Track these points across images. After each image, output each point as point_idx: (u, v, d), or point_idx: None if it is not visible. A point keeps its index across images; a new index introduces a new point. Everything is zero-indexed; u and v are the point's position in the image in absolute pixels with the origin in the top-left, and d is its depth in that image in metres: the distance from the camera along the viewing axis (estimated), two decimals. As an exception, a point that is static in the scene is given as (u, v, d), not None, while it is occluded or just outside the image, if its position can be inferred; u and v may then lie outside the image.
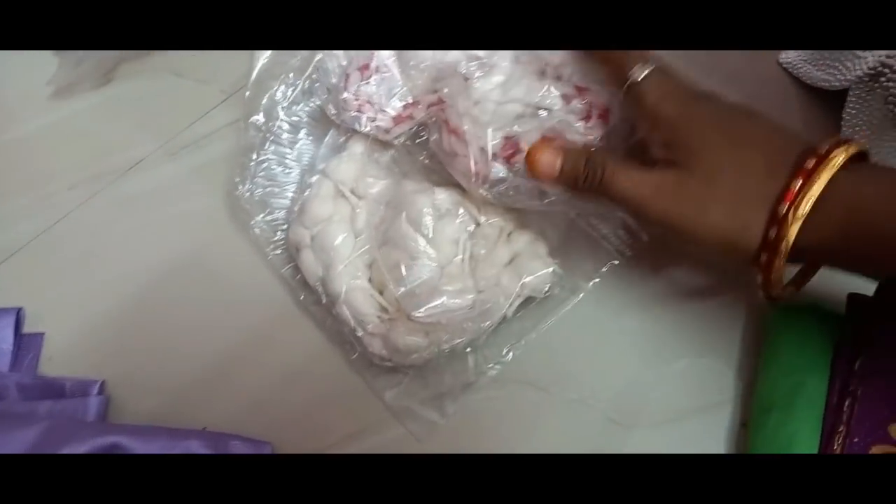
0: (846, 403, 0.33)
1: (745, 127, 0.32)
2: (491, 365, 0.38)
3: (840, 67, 0.39)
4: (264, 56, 0.43)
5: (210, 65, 0.48)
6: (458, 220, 0.38)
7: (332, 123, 0.42)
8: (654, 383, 0.38)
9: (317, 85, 0.43)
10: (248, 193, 0.42)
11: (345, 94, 0.40)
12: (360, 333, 0.37)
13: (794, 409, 0.33)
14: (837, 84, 0.39)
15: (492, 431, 0.38)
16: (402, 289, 0.36)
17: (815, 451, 0.32)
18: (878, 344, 0.33)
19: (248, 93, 0.43)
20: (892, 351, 0.33)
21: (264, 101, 0.43)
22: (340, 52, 0.42)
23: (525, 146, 0.37)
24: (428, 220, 0.37)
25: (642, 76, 0.33)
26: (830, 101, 0.41)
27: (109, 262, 0.43)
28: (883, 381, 0.33)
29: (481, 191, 0.37)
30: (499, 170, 0.37)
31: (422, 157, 0.41)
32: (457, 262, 0.37)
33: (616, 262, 0.39)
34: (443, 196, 0.38)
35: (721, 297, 0.40)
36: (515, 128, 0.37)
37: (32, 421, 0.35)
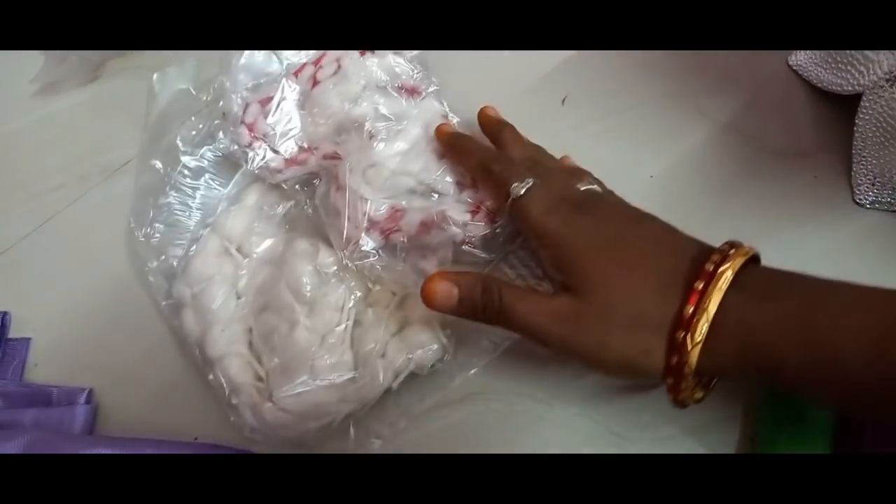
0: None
1: (632, 242, 0.31)
2: (373, 439, 0.36)
3: (853, 71, 0.38)
4: (164, 96, 0.42)
5: (193, 54, 0.45)
6: (342, 286, 0.36)
7: (238, 169, 0.40)
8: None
9: (218, 123, 0.41)
10: (143, 239, 0.40)
11: (240, 126, 0.39)
12: (234, 402, 0.35)
13: (806, 424, 0.32)
14: (850, 88, 0.39)
15: None
16: (276, 359, 0.34)
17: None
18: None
19: (146, 134, 0.41)
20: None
21: (164, 144, 0.41)
22: (244, 91, 0.40)
23: (404, 227, 0.36)
24: (307, 288, 0.35)
25: (523, 191, 0.33)
26: (842, 106, 0.40)
27: (97, 266, 0.42)
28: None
29: (345, 260, 0.35)
30: (369, 241, 0.35)
31: (306, 206, 0.39)
32: (338, 331, 0.35)
33: (517, 337, 0.36)
34: (329, 259, 0.36)
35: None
36: (404, 203, 0.36)
37: (15, 434, 0.34)
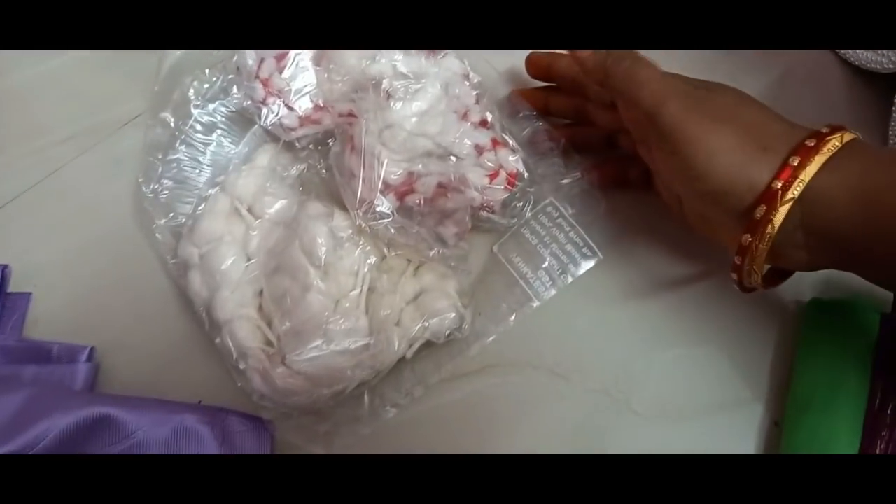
0: (889, 406, 0.31)
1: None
2: (388, 407, 0.35)
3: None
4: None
5: None
6: (357, 250, 0.34)
7: (250, 126, 0.39)
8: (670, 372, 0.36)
9: (232, 77, 0.39)
10: (151, 195, 0.39)
11: (255, 80, 0.38)
12: (241, 367, 0.34)
13: (834, 409, 0.32)
14: (891, 67, 0.38)
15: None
16: (288, 323, 0.33)
17: (855, 452, 0.31)
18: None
19: (156, 87, 0.40)
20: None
21: (175, 96, 0.40)
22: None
23: (420, 188, 0.35)
24: (322, 249, 0.34)
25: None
26: (878, 83, 0.40)
27: (102, 221, 0.40)
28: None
29: (359, 220, 0.34)
30: (384, 203, 0.34)
31: (320, 167, 0.38)
32: (353, 296, 0.34)
33: (535, 305, 0.36)
34: (344, 223, 0.35)
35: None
36: (419, 166, 0.35)
37: (16, 387, 0.33)
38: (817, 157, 0.27)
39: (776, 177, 0.28)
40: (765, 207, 0.28)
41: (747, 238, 0.28)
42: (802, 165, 0.27)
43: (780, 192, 0.27)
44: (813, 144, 0.28)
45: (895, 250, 0.26)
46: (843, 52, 0.41)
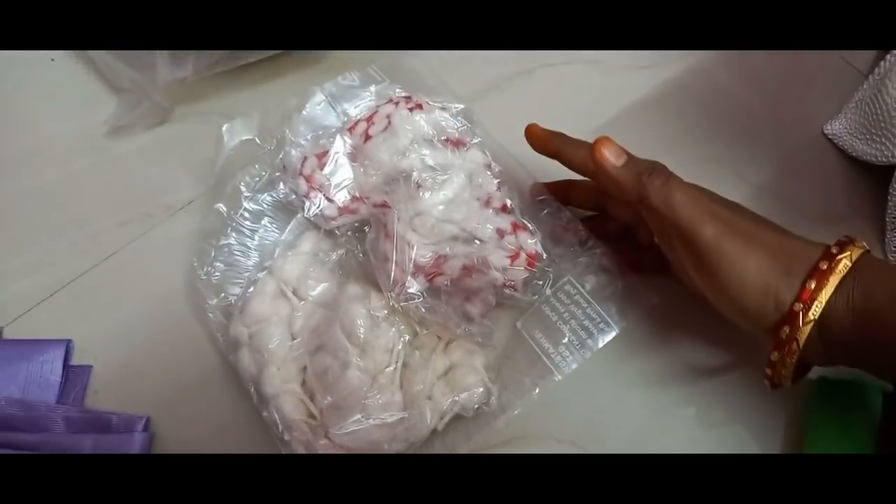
0: None
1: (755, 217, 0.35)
2: None
3: (887, 143, 0.39)
4: (230, 145, 0.44)
5: (257, 105, 0.47)
6: (392, 330, 0.37)
7: (294, 214, 0.43)
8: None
9: (279, 174, 0.43)
10: (205, 277, 0.42)
11: (299, 177, 0.42)
12: (286, 438, 0.37)
13: (851, 435, 0.35)
14: (884, 160, 0.40)
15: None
16: (329, 398, 0.36)
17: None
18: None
19: (212, 181, 0.44)
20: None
21: (228, 189, 0.44)
22: (303, 141, 0.43)
23: (447, 270, 0.37)
24: (360, 329, 0.37)
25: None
26: (875, 174, 0.42)
27: (157, 300, 0.44)
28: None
29: (392, 301, 0.37)
30: (415, 284, 0.37)
31: (357, 252, 0.41)
32: (388, 372, 0.37)
33: (557, 379, 0.38)
34: (379, 303, 0.38)
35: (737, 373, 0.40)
36: (447, 249, 0.38)
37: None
38: (831, 279, 0.31)
39: (797, 299, 0.31)
40: (788, 328, 0.31)
41: (776, 354, 0.32)
42: (819, 288, 0.31)
43: (801, 313, 0.31)
44: (826, 267, 0.31)
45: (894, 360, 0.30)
46: (840, 144, 0.44)
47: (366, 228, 0.41)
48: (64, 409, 0.40)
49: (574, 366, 0.38)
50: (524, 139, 0.41)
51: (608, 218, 0.41)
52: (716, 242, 0.32)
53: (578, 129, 0.37)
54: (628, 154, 0.35)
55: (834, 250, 0.32)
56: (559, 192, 0.42)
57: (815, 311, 0.31)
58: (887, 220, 0.41)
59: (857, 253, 0.32)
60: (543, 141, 0.40)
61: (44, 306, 0.44)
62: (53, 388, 0.41)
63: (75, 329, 0.43)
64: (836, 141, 0.44)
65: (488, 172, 0.42)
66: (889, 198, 0.40)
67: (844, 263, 0.31)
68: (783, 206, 0.42)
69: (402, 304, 0.37)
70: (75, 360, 0.42)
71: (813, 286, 0.31)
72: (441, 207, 0.39)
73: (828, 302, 0.31)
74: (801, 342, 0.31)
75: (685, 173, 0.36)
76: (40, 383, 0.41)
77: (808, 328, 0.31)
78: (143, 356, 0.42)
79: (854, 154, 0.43)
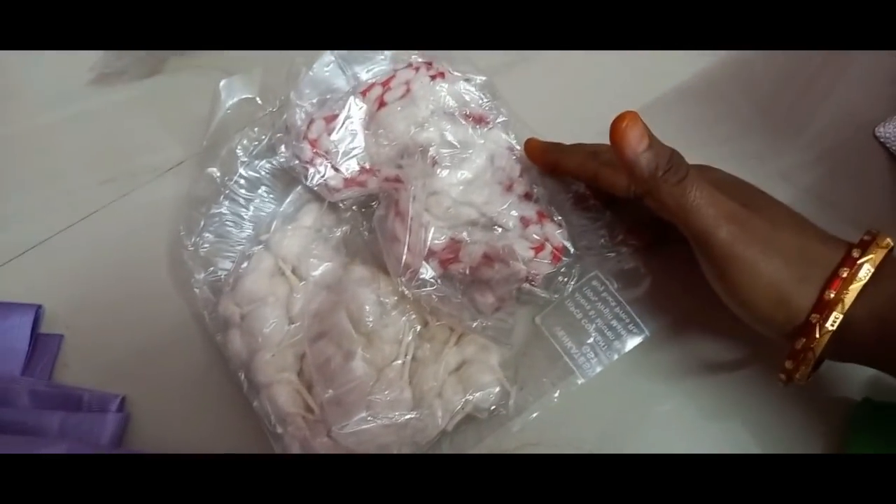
0: None
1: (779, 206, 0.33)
2: None
3: None
4: (227, 104, 0.41)
5: (259, 62, 0.43)
6: (402, 319, 0.34)
7: (295, 184, 0.40)
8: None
9: (280, 136, 0.40)
10: (192, 248, 0.38)
11: (303, 141, 0.38)
12: (279, 431, 0.33)
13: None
14: None
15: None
16: (330, 391, 0.33)
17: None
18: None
19: (205, 142, 0.40)
20: None
21: (223, 152, 0.40)
22: (308, 105, 0.39)
23: (465, 258, 0.35)
24: (368, 317, 0.34)
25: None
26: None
27: (138, 268, 0.40)
28: None
29: (402, 287, 0.34)
30: (428, 270, 0.34)
31: (363, 229, 0.38)
32: (396, 365, 0.34)
33: (581, 382, 0.35)
34: (389, 289, 0.35)
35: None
36: (464, 234, 0.35)
37: (52, 441, 0.32)
38: (851, 288, 0.29)
39: (814, 309, 0.29)
40: (804, 339, 0.29)
41: (790, 363, 0.30)
42: (838, 299, 0.29)
43: (817, 325, 0.29)
44: (846, 275, 0.29)
45: None
46: (892, 147, 0.41)
47: (373, 204, 0.38)
48: (30, 382, 0.37)
49: (598, 369, 0.36)
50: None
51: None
52: (729, 247, 0.30)
53: (611, 111, 0.34)
54: (651, 137, 0.31)
55: (855, 254, 0.29)
56: (551, 156, 0.38)
57: (834, 321, 0.29)
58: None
59: (880, 255, 0.29)
60: (540, 153, 0.38)
61: (11, 266, 0.41)
62: (19, 357, 0.38)
63: (46, 294, 0.40)
64: (888, 144, 0.41)
65: (512, 156, 0.38)
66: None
67: (867, 269, 0.29)
68: (827, 209, 0.40)
69: (413, 291, 0.34)
70: (44, 329, 0.39)
71: (832, 296, 0.29)
72: (460, 188, 0.36)
73: (847, 312, 0.29)
74: (818, 353, 0.29)
75: (726, 168, 0.34)
76: (5, 351, 0.38)
77: (825, 339, 0.29)
78: (119, 329, 0.39)
79: (893, 148, 0.41)
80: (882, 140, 0.42)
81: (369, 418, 0.31)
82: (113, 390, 0.37)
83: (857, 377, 0.36)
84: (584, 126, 0.37)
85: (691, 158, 0.32)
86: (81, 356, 0.38)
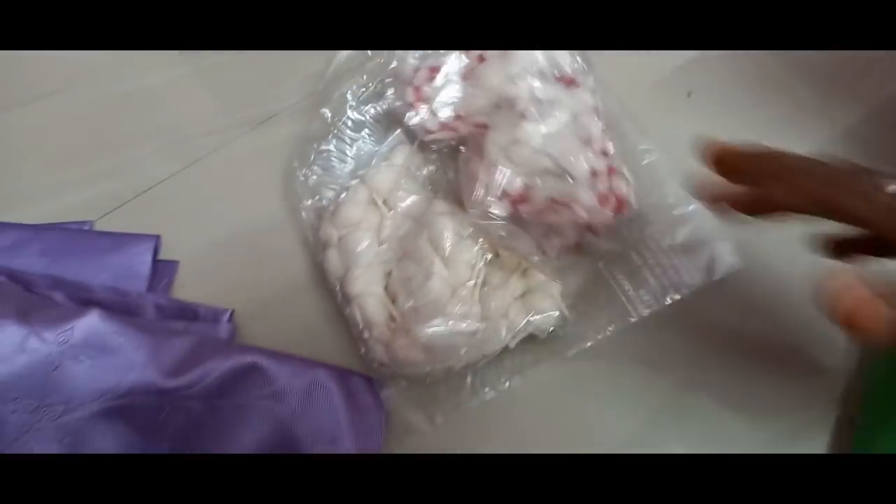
0: None
1: None
2: (487, 389, 0.39)
3: None
4: (342, 54, 0.46)
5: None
6: (476, 247, 0.38)
7: (394, 128, 0.44)
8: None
9: (389, 89, 0.44)
10: (302, 178, 0.44)
11: (409, 85, 0.43)
12: (366, 336, 0.38)
13: None
14: None
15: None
16: (411, 302, 0.37)
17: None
18: None
19: (321, 86, 0.46)
20: None
21: (335, 95, 0.45)
22: (417, 52, 0.44)
23: (534, 201, 0.38)
24: (447, 242, 0.38)
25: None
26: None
27: (251, 199, 0.45)
28: None
29: (471, 216, 0.38)
30: (499, 207, 0.38)
31: (448, 170, 0.42)
32: (469, 285, 0.38)
33: (633, 320, 0.38)
34: (466, 222, 0.39)
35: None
36: (538, 180, 0.38)
37: (183, 333, 0.38)
38: None
39: None
40: None
41: None
42: None
43: None
44: None
45: None
46: None
47: (462, 148, 0.42)
48: (154, 297, 0.42)
49: (648, 311, 0.39)
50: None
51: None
52: None
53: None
54: (881, 301, 0.25)
55: None
56: (754, 172, 0.30)
57: None
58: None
59: None
60: (733, 165, 0.30)
61: (133, 204, 0.46)
62: (143, 278, 0.42)
63: (164, 227, 0.44)
64: None
65: (595, 116, 0.41)
66: None
67: None
68: (866, 150, 0.42)
69: (481, 222, 0.38)
70: (163, 256, 0.44)
71: None
72: (541, 140, 0.39)
73: None
74: None
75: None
76: (131, 273, 0.43)
77: None
78: (231, 252, 0.44)
79: None
80: None
81: (442, 324, 0.36)
82: (225, 306, 0.41)
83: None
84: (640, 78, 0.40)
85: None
86: (196, 278, 0.43)
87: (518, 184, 0.38)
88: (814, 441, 0.38)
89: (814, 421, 0.38)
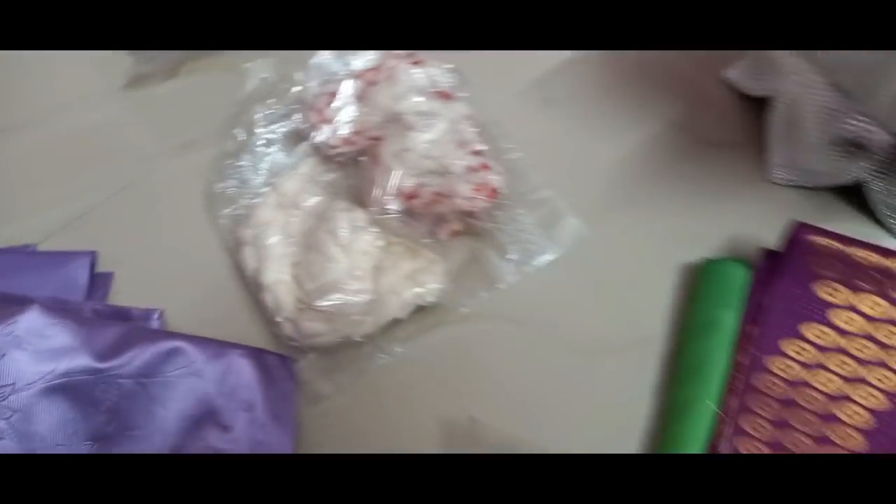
0: (754, 331, 0.43)
1: None
2: (383, 356, 0.45)
3: (767, 79, 0.50)
4: (252, 81, 0.53)
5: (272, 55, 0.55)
6: (369, 236, 0.45)
7: (301, 142, 0.51)
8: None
9: (295, 113, 0.52)
10: (220, 191, 0.51)
11: (312, 110, 0.50)
12: (278, 319, 0.44)
13: (713, 336, 0.43)
14: (761, 92, 0.51)
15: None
16: (314, 284, 0.44)
17: (725, 364, 0.42)
18: (777, 287, 0.43)
19: (233, 109, 0.53)
20: (785, 291, 0.43)
21: (247, 118, 0.53)
22: (314, 84, 0.51)
23: (422, 196, 0.46)
24: (343, 233, 0.45)
25: None
26: (763, 108, 0.52)
27: (166, 219, 0.51)
28: (776, 314, 0.43)
29: (372, 213, 0.45)
30: (395, 203, 0.45)
31: (347, 176, 0.49)
32: (364, 268, 0.44)
33: (502, 287, 0.47)
34: (361, 215, 0.46)
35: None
36: (425, 179, 0.46)
37: (117, 323, 0.42)
38: None
39: None
40: None
41: None
42: None
43: None
44: None
45: None
46: (735, 84, 0.53)
47: (360, 158, 0.49)
48: (92, 303, 0.46)
49: (514, 278, 0.47)
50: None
51: None
52: None
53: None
54: None
55: None
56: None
57: None
58: (768, 142, 0.50)
59: None
60: None
61: (73, 226, 0.51)
62: (82, 289, 0.47)
63: (101, 242, 0.49)
64: (733, 83, 0.54)
65: (469, 123, 0.49)
66: (767, 123, 0.50)
67: None
68: (689, 136, 0.52)
69: (380, 217, 0.45)
70: (100, 269, 0.48)
71: None
72: (425, 145, 0.47)
73: None
74: None
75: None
76: (70, 285, 0.47)
77: None
78: (161, 260, 0.49)
79: (747, 91, 0.53)
80: (730, 81, 0.54)
81: (339, 297, 0.43)
82: (156, 306, 0.46)
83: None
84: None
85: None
86: (131, 286, 0.48)
87: (409, 183, 0.46)
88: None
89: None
